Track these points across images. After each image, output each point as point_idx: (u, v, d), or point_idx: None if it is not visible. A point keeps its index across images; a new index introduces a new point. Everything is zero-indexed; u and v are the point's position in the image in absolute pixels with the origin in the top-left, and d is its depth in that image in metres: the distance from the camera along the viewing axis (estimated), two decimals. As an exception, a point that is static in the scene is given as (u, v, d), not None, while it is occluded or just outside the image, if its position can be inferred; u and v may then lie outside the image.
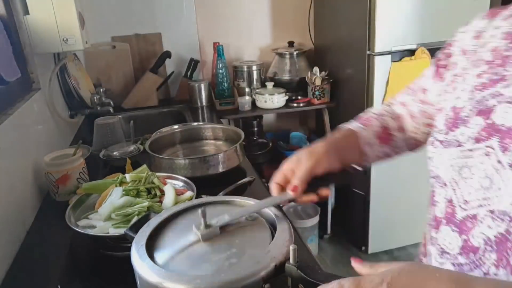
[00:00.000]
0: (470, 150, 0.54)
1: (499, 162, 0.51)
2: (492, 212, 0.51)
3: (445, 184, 0.58)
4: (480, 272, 0.52)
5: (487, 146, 0.52)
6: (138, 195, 0.96)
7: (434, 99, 0.71)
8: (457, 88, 0.62)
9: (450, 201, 0.57)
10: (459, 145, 0.56)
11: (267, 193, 1.16)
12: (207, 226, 0.58)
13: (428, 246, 0.63)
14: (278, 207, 0.66)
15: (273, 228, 0.61)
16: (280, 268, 0.52)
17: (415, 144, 0.80)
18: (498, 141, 0.51)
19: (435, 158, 0.60)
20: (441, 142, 0.59)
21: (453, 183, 0.56)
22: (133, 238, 0.61)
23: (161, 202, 0.95)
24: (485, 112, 0.54)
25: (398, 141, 0.78)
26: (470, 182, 0.54)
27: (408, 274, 0.42)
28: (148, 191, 0.98)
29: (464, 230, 0.54)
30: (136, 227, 0.64)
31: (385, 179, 2.16)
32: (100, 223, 0.89)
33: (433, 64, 0.73)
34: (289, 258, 0.51)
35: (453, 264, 0.56)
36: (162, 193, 0.98)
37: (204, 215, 0.58)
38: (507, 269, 0.49)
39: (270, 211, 0.65)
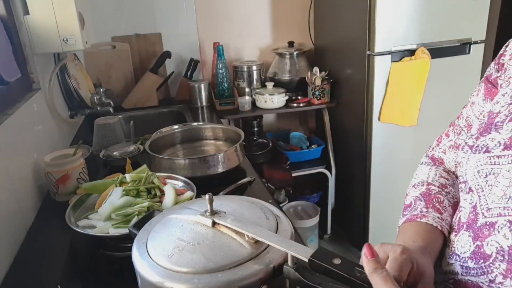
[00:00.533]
0: (498, 156, 0.53)
1: None
2: (511, 222, 0.50)
3: (471, 190, 0.57)
4: (486, 279, 0.52)
5: None
6: (138, 195, 0.96)
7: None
8: (498, 93, 0.60)
9: (475, 207, 0.56)
10: (487, 151, 0.55)
11: (267, 193, 1.17)
12: (213, 211, 0.59)
13: (445, 247, 0.62)
14: (278, 206, 0.66)
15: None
16: (278, 269, 0.52)
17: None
18: None
19: (463, 163, 0.59)
20: (470, 147, 0.58)
21: (479, 190, 0.55)
22: (136, 235, 0.61)
23: (161, 202, 0.95)
24: None
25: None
26: (494, 190, 0.53)
27: None
28: (148, 191, 0.98)
29: (480, 237, 0.53)
30: (139, 225, 0.64)
31: (385, 179, 2.16)
32: (100, 223, 0.89)
33: (481, 84, 0.67)
34: (287, 260, 0.51)
35: (462, 267, 0.56)
36: (162, 193, 0.98)
37: (211, 201, 0.58)
38: None
39: (272, 211, 0.65)
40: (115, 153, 1.37)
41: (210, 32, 2.41)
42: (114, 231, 0.86)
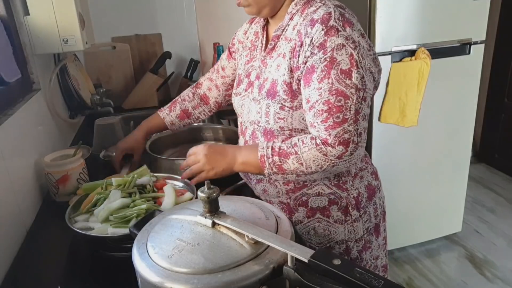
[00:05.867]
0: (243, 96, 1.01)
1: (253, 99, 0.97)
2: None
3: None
4: None
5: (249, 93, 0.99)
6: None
7: (229, 72, 1.20)
8: (238, 62, 1.09)
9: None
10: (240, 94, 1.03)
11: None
12: (211, 212, 0.58)
13: None
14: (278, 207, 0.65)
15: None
16: (278, 270, 0.52)
17: (218, 106, 1.27)
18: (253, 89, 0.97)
19: (235, 103, 1.07)
20: (234, 94, 1.06)
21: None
22: (136, 235, 0.61)
23: (159, 204, 0.95)
24: (248, 75, 1.02)
25: (196, 113, 1.27)
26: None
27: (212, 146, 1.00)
28: (141, 191, 0.98)
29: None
30: (140, 225, 0.64)
31: (384, 180, 2.15)
32: (97, 225, 0.89)
33: (226, 49, 1.19)
34: (287, 260, 0.51)
35: None
36: (162, 193, 0.98)
37: (210, 201, 0.58)
38: None
39: (272, 211, 0.65)
40: (115, 153, 1.36)
41: (210, 32, 2.41)
42: (113, 231, 0.86)
